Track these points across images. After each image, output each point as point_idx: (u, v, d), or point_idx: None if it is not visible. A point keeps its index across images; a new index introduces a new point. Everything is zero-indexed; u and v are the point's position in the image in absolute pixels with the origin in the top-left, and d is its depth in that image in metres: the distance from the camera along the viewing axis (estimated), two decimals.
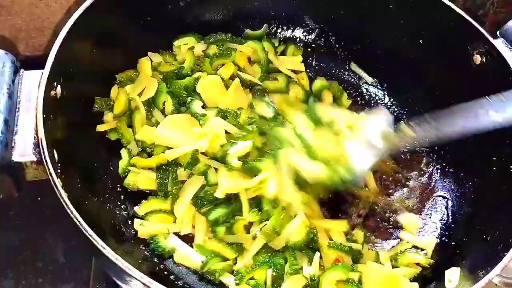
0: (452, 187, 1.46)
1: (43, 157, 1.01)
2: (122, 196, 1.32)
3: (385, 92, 1.65)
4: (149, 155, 1.34)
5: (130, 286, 0.97)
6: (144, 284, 0.87)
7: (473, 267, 1.14)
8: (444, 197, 1.46)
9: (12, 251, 1.58)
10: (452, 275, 1.19)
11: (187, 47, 1.51)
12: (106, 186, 1.31)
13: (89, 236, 0.91)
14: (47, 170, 0.99)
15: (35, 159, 1.04)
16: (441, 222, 1.42)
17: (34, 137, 1.06)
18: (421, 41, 1.50)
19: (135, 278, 0.88)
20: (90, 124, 1.32)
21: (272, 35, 1.66)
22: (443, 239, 1.38)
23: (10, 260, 1.57)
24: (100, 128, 1.33)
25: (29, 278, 1.55)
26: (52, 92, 1.12)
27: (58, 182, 0.97)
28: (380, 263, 1.26)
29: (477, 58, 1.36)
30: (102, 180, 1.31)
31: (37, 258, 1.58)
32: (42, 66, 1.13)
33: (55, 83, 1.13)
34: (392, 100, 1.64)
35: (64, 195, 0.95)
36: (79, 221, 0.92)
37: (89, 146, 1.29)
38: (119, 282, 1.03)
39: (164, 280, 1.18)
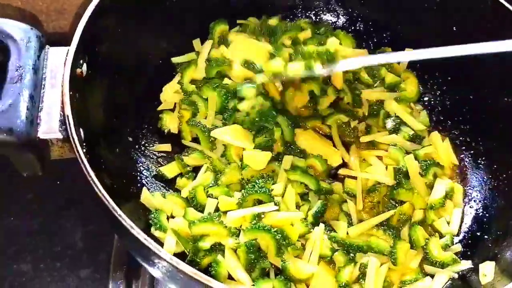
0: (485, 179, 1.41)
1: (69, 134, 0.98)
2: (151, 179, 1.31)
3: None
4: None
5: (154, 268, 0.94)
6: (172, 265, 0.85)
7: (509, 262, 1.09)
8: (477, 189, 1.41)
9: (30, 235, 1.58)
10: (487, 269, 1.16)
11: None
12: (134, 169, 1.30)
13: (117, 216, 0.88)
14: (74, 148, 0.96)
15: (61, 136, 1.02)
16: (474, 215, 1.37)
17: (60, 114, 1.03)
18: (454, 28, 1.45)
19: (164, 259, 0.85)
20: (117, 104, 1.31)
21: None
22: (477, 233, 1.34)
23: (28, 244, 1.56)
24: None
25: (47, 262, 1.55)
26: (78, 70, 1.10)
27: (85, 160, 0.94)
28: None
29: None
30: (129, 162, 1.30)
31: (54, 243, 1.57)
32: (67, 45, 1.11)
33: (81, 61, 1.12)
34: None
35: (92, 173, 0.93)
36: (106, 200, 0.90)
37: (117, 126, 1.28)
38: (144, 264, 1.01)
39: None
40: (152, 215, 1.18)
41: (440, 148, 1.42)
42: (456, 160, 1.43)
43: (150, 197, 1.22)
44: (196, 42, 1.49)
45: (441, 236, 1.30)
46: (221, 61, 1.40)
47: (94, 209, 1.56)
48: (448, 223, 1.32)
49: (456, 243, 1.31)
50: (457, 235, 1.32)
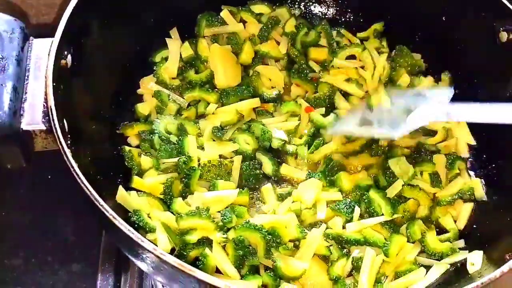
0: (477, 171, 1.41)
1: (52, 125, 0.97)
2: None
3: None
4: None
5: (140, 260, 0.94)
6: (156, 255, 0.84)
7: (500, 252, 1.09)
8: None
9: (22, 230, 1.57)
10: (475, 258, 1.15)
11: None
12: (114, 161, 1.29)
13: (100, 206, 0.88)
14: (57, 139, 0.95)
15: (44, 128, 1.02)
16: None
17: (44, 106, 1.03)
18: (444, 18, 1.45)
19: (148, 250, 0.84)
20: (101, 96, 1.30)
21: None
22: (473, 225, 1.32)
23: (20, 239, 1.56)
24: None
25: (38, 257, 1.54)
26: (63, 61, 1.09)
27: (68, 151, 0.94)
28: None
29: (504, 35, 1.30)
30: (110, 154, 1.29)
31: (46, 237, 1.57)
32: (52, 36, 1.10)
33: (65, 52, 1.10)
34: None
35: (74, 164, 0.92)
36: (89, 190, 0.89)
37: (101, 118, 1.27)
38: (131, 257, 1.00)
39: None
40: (135, 217, 1.15)
41: (457, 128, 1.42)
42: (473, 140, 1.42)
43: (126, 196, 1.18)
44: (170, 41, 1.48)
45: (445, 231, 1.29)
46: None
47: (85, 204, 1.59)
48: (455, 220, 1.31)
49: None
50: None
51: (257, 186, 1.32)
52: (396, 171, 1.31)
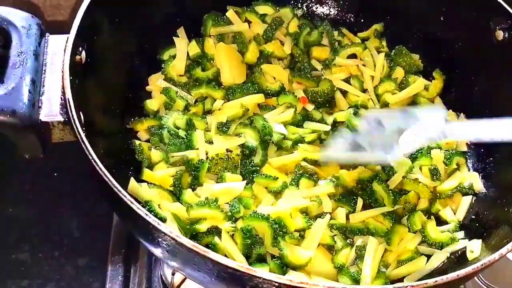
0: (476, 165, 1.45)
1: (70, 117, 1.01)
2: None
3: None
4: None
5: (154, 244, 0.97)
6: (172, 238, 0.87)
7: (497, 240, 1.14)
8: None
9: (27, 224, 1.60)
10: (474, 246, 1.19)
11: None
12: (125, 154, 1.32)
13: (118, 192, 0.91)
14: (75, 129, 0.99)
15: (62, 119, 1.05)
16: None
17: (61, 98, 1.06)
18: (442, 18, 1.50)
19: (163, 233, 0.88)
20: (112, 92, 1.33)
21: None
22: (472, 216, 1.36)
23: (26, 234, 1.58)
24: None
25: (45, 251, 1.56)
26: (77, 57, 1.13)
27: (86, 141, 0.97)
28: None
29: (500, 34, 1.34)
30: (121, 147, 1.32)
31: (52, 232, 1.60)
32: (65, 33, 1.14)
33: (80, 48, 1.14)
34: None
35: (93, 153, 0.96)
36: (107, 177, 0.93)
37: (115, 113, 1.31)
38: (144, 242, 1.04)
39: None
40: (147, 207, 1.17)
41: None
42: None
43: (137, 188, 1.20)
44: (177, 40, 1.51)
45: (446, 223, 1.33)
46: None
47: (91, 198, 1.61)
48: (454, 212, 1.34)
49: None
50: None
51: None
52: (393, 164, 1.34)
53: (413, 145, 1.21)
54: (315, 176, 1.34)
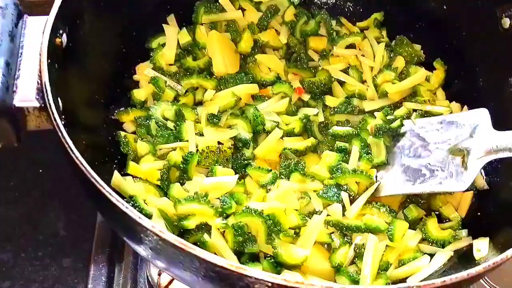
0: None
1: (46, 101, 0.94)
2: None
3: None
4: None
5: (138, 242, 0.90)
6: (155, 234, 0.80)
7: (506, 238, 1.08)
8: None
9: (12, 223, 1.55)
10: (481, 244, 1.13)
11: None
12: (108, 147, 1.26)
13: (95, 183, 0.84)
14: (51, 115, 0.92)
15: (37, 104, 0.98)
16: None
17: (37, 83, 0.99)
18: (444, 6, 1.45)
19: (146, 228, 0.81)
20: (95, 81, 1.27)
21: None
22: (477, 213, 1.30)
23: (10, 233, 1.54)
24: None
25: (28, 251, 1.52)
26: (57, 40, 1.06)
27: (62, 128, 0.90)
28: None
29: (506, 22, 1.29)
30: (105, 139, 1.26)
31: (37, 231, 1.55)
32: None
33: (60, 31, 1.07)
34: None
35: (69, 141, 0.88)
36: (84, 168, 0.85)
37: (94, 103, 1.24)
38: (128, 241, 0.96)
39: None
40: (131, 202, 1.10)
41: None
42: None
43: (121, 181, 1.13)
44: (167, 28, 1.46)
45: (448, 220, 1.28)
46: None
47: (77, 198, 1.56)
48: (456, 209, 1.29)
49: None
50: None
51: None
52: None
53: (482, 162, 1.13)
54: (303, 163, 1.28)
